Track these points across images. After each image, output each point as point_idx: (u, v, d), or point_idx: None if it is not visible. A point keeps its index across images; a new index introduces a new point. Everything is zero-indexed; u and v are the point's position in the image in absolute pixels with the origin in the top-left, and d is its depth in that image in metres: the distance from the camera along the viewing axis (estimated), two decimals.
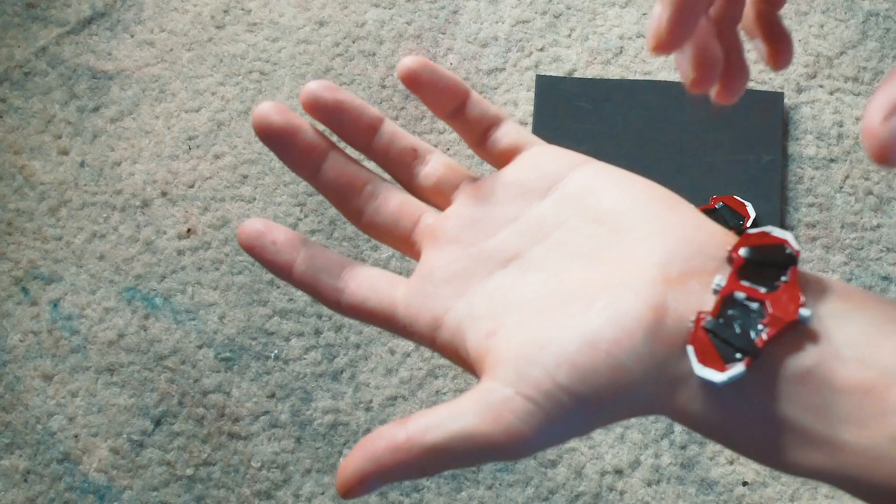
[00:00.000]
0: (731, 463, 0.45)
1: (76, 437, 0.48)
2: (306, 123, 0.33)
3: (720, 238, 0.28)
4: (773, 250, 0.27)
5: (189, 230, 0.51)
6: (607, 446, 0.46)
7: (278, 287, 0.50)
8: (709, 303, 0.26)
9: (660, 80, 0.52)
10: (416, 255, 0.33)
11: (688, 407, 0.26)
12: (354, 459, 0.27)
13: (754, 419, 0.26)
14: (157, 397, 0.48)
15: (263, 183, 0.52)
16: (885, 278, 0.48)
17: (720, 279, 0.26)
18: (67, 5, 0.57)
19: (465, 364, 0.30)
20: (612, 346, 0.26)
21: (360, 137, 0.34)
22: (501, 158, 0.34)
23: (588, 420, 0.26)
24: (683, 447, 0.46)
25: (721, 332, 0.25)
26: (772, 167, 0.49)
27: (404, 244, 0.33)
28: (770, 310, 0.25)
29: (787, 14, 0.54)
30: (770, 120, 0.51)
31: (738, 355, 0.25)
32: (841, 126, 0.52)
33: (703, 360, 0.25)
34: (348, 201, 0.34)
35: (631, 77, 0.53)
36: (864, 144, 0.24)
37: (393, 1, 0.57)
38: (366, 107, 0.33)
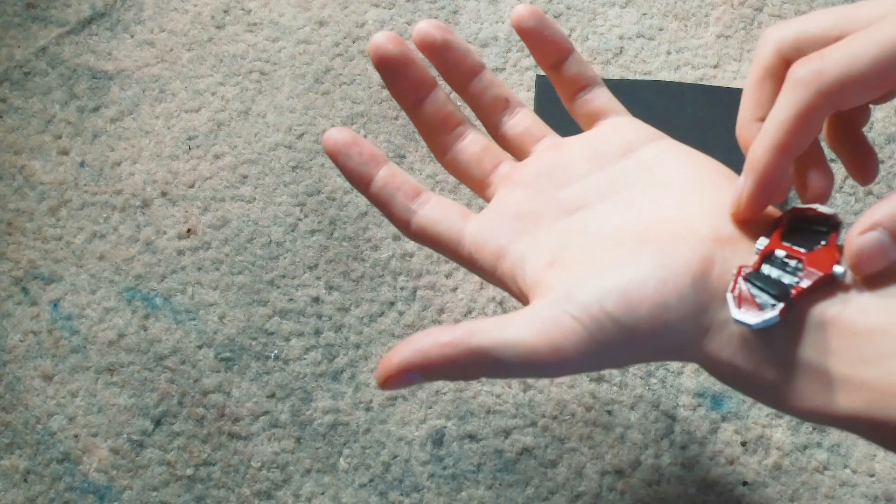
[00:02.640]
0: (732, 463, 0.45)
1: (76, 437, 0.48)
2: (419, 57, 0.35)
3: (772, 211, 0.30)
4: (817, 219, 0.29)
5: (189, 230, 0.52)
6: (607, 446, 0.46)
7: (278, 287, 0.50)
8: (753, 261, 0.28)
9: (660, 80, 0.52)
10: (488, 198, 0.35)
11: (718, 353, 0.28)
12: (400, 351, 0.29)
13: (779, 364, 0.27)
14: (157, 397, 0.48)
15: (263, 183, 0.52)
16: None
17: (763, 240, 0.28)
18: (67, 5, 0.57)
19: (520, 294, 0.31)
20: (660, 285, 0.27)
21: (461, 78, 0.36)
22: (587, 119, 0.36)
23: (625, 351, 0.28)
24: (684, 447, 0.46)
25: (758, 282, 0.27)
26: None
27: (480, 184, 0.36)
28: (806, 265, 0.27)
29: (787, 14, 0.54)
30: None
31: (773, 303, 0.26)
32: None
33: (741, 307, 0.27)
34: (439, 136, 0.36)
35: (631, 77, 0.53)
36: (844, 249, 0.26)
37: (393, 1, 0.57)
38: (471, 51, 0.36)
